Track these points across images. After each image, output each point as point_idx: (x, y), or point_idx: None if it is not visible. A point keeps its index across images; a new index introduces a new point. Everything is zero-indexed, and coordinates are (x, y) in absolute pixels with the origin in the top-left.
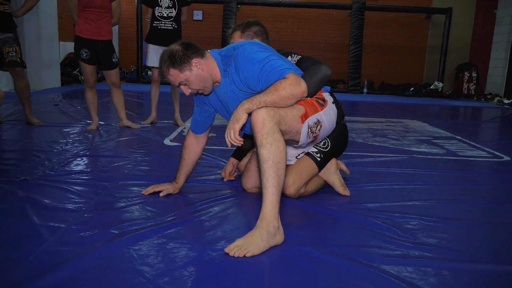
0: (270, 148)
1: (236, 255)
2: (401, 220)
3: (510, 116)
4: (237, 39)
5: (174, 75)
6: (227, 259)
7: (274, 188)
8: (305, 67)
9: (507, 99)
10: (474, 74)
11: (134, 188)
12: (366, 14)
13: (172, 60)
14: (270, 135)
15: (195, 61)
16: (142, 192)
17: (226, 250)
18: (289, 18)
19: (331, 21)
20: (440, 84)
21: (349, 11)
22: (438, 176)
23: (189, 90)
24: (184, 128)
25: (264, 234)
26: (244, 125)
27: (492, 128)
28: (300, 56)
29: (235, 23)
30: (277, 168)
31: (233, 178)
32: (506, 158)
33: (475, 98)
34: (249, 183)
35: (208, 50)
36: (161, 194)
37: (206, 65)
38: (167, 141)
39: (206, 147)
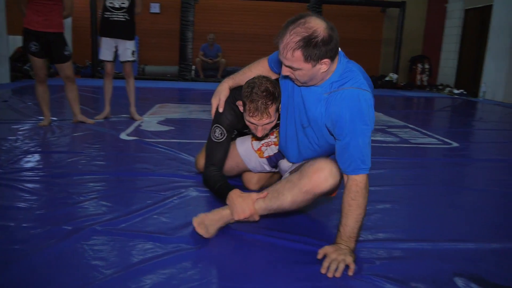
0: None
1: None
2: None
3: (460, 105)
4: (273, 114)
5: (297, 58)
6: (181, 252)
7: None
8: None
9: (457, 90)
10: (426, 66)
11: (88, 184)
12: (324, 8)
13: (307, 44)
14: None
15: (325, 61)
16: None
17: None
18: (248, 11)
19: (290, 14)
20: (395, 76)
21: (307, 4)
22: (391, 163)
23: (287, 73)
24: (142, 122)
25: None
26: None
27: (443, 117)
28: None
29: (193, 16)
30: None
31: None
32: (455, 144)
33: (427, 89)
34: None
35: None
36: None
37: (328, 69)
38: (123, 136)
39: (163, 140)
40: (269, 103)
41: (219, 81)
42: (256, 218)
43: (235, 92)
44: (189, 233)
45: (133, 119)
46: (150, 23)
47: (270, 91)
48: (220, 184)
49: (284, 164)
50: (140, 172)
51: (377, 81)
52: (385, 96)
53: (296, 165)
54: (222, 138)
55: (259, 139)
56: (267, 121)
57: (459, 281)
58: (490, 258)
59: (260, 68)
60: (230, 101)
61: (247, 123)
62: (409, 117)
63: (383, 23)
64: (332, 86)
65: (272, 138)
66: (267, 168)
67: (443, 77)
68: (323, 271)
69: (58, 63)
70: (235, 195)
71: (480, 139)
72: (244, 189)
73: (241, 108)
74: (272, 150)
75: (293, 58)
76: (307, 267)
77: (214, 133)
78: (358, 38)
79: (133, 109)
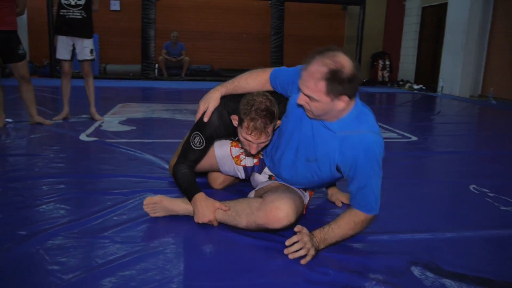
0: None
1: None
2: (317, 199)
3: (419, 100)
4: (271, 133)
5: (319, 88)
6: (141, 253)
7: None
8: None
9: (416, 85)
10: (387, 62)
11: (46, 187)
12: (286, 5)
13: (333, 78)
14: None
15: (344, 98)
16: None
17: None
18: (211, 9)
19: (252, 11)
20: None
21: (269, 1)
22: None
23: (302, 103)
24: (102, 122)
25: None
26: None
27: (403, 112)
28: None
29: (155, 14)
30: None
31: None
32: (414, 138)
33: (389, 85)
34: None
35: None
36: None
37: (347, 106)
38: (83, 137)
39: (124, 140)
40: (269, 123)
41: (183, 80)
42: (215, 224)
43: (227, 102)
44: (149, 234)
45: (93, 120)
46: (110, 21)
47: (270, 111)
48: (188, 184)
49: (258, 177)
50: (100, 174)
51: None
52: None
53: (267, 183)
54: (200, 147)
55: (250, 155)
56: (264, 140)
57: (415, 270)
58: (445, 247)
59: (257, 81)
60: (219, 110)
61: (242, 139)
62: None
63: (344, 20)
64: (348, 126)
65: None
66: (241, 176)
67: (403, 73)
68: (287, 242)
69: (12, 62)
70: (200, 199)
71: (438, 132)
72: (208, 187)
73: (235, 123)
74: (250, 161)
75: (315, 88)
76: (269, 262)
77: (194, 139)
78: (321, 35)
79: (93, 109)
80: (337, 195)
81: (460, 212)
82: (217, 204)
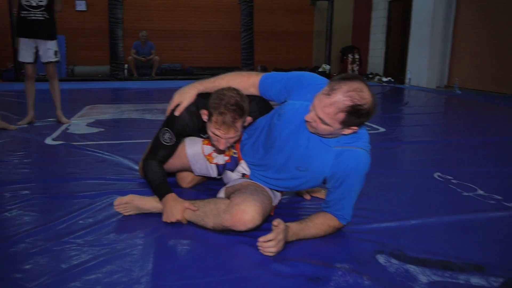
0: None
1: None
2: (287, 195)
3: (388, 92)
4: (239, 129)
5: (337, 118)
6: (107, 256)
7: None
8: None
9: (385, 78)
10: (356, 56)
11: (9, 194)
12: (255, 1)
13: (353, 112)
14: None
15: (354, 128)
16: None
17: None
18: (179, 7)
19: (222, 9)
20: (328, 67)
21: None
22: None
23: (310, 121)
24: (69, 125)
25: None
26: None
27: None
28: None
29: (122, 14)
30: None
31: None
32: (382, 129)
33: None
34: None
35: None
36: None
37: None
38: (49, 141)
39: (92, 142)
40: (237, 117)
41: (153, 79)
42: (184, 222)
43: (197, 98)
44: (115, 236)
45: (60, 123)
46: (76, 21)
47: (240, 106)
48: (159, 183)
49: (230, 175)
50: (66, 178)
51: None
52: None
53: (238, 181)
54: (170, 143)
55: (219, 151)
56: (233, 135)
57: (380, 258)
58: (409, 234)
59: (241, 85)
60: (192, 106)
61: (211, 133)
62: None
63: (313, 16)
64: (345, 142)
65: None
66: (213, 174)
67: (372, 66)
68: (262, 239)
69: None
70: (170, 199)
71: (406, 123)
72: (177, 186)
73: (204, 117)
74: (222, 159)
75: (333, 117)
76: (238, 257)
77: (163, 135)
78: (291, 31)
79: (59, 112)
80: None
81: (425, 199)
82: (186, 204)
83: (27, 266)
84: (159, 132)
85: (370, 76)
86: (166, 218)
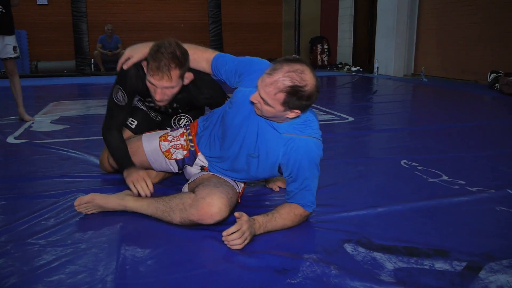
0: None
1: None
2: (256, 186)
3: (357, 81)
4: (176, 79)
5: (277, 99)
6: (70, 256)
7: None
8: None
9: (354, 67)
10: (325, 46)
11: None
12: None
13: (292, 93)
14: None
15: (297, 111)
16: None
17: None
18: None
19: (189, 1)
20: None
21: None
22: None
23: (256, 104)
24: (33, 123)
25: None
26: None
27: (342, 94)
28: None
29: (85, 7)
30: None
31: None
32: (351, 118)
33: (328, 68)
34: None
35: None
36: (153, 182)
37: (291, 116)
38: (11, 139)
39: (56, 140)
40: (173, 66)
41: None
42: (150, 186)
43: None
44: (79, 235)
45: (22, 121)
46: (38, 15)
47: (176, 55)
48: (122, 154)
49: (190, 170)
50: (29, 177)
51: None
52: None
53: (199, 175)
54: (122, 103)
55: (158, 107)
56: (167, 84)
57: (348, 247)
58: (376, 222)
59: (194, 57)
60: (139, 63)
61: (148, 84)
62: None
63: (281, 7)
64: (293, 129)
65: (181, 141)
66: (174, 170)
67: (341, 56)
68: (224, 233)
69: None
70: (134, 169)
71: (374, 112)
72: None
73: (145, 69)
74: (181, 153)
75: (273, 97)
76: (205, 252)
77: (116, 94)
78: (260, 22)
79: (21, 109)
80: (274, 180)
81: (392, 187)
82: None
83: None
84: (112, 91)
85: (340, 66)
86: (132, 179)
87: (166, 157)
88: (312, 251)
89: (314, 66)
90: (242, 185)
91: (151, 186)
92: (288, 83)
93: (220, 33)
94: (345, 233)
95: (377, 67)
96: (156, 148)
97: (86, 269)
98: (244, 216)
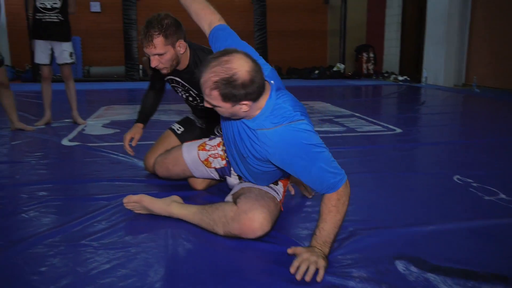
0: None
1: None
2: (302, 194)
3: (404, 91)
4: (161, 46)
5: (214, 97)
6: (122, 259)
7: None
8: None
9: (401, 76)
10: (371, 55)
11: (27, 194)
12: (268, 1)
13: (223, 86)
14: None
15: (244, 102)
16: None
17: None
18: None
19: (234, 9)
20: (342, 66)
21: None
22: (338, 152)
23: (208, 106)
24: (86, 126)
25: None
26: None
27: (388, 104)
28: None
29: (136, 15)
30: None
31: (132, 148)
32: (398, 130)
33: (374, 77)
34: (163, 171)
35: (272, 82)
36: (133, 144)
37: (251, 108)
38: (65, 142)
39: (107, 144)
40: (155, 33)
41: None
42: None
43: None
44: (130, 239)
45: (76, 124)
46: (91, 22)
47: (159, 21)
48: (139, 110)
49: (229, 180)
50: (82, 179)
51: (326, 72)
52: (334, 86)
53: (243, 185)
54: (151, 71)
55: (201, 116)
56: (155, 51)
57: (399, 265)
58: (429, 240)
59: (202, 9)
60: None
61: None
62: (356, 106)
63: (327, 14)
64: (264, 124)
65: (219, 150)
66: (216, 177)
67: (387, 65)
68: (292, 270)
69: None
70: (134, 126)
71: (423, 123)
72: (191, 189)
73: None
74: (219, 163)
75: (211, 96)
76: (246, 264)
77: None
78: (304, 29)
79: (75, 113)
80: (304, 186)
81: (444, 203)
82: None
83: (44, 269)
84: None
85: (386, 75)
86: (124, 136)
87: (205, 165)
88: (362, 267)
89: (359, 74)
90: (282, 190)
91: (132, 143)
92: (214, 78)
93: (265, 41)
94: (396, 250)
95: (426, 77)
96: (195, 157)
97: (137, 274)
98: (297, 249)
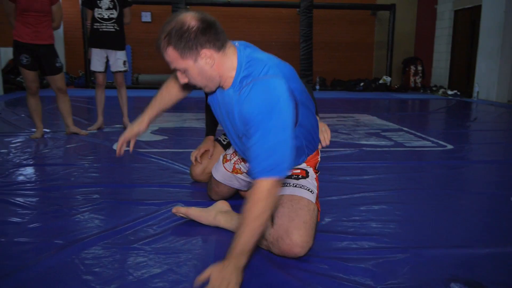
0: None
1: None
2: (350, 212)
3: (454, 106)
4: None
5: (172, 57)
6: (172, 264)
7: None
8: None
9: (450, 90)
10: (419, 68)
11: (81, 196)
12: (315, 12)
13: (176, 37)
14: None
15: (205, 51)
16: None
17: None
18: (239, 18)
19: (280, 19)
20: (389, 78)
21: (297, 9)
22: (385, 167)
23: (186, 80)
24: None
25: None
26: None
27: (437, 119)
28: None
29: None
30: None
31: (203, 161)
32: (450, 146)
33: (421, 91)
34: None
35: (236, 44)
36: (131, 146)
37: (219, 62)
38: (116, 146)
39: (156, 150)
40: (165, 45)
41: None
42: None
43: None
44: (181, 245)
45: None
46: (142, 32)
47: (166, 30)
48: (206, 123)
49: None
50: (133, 184)
51: (371, 84)
52: (379, 99)
53: None
54: None
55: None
56: (174, 65)
57: None
58: (485, 263)
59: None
60: None
61: None
62: (404, 120)
63: (374, 26)
64: (242, 82)
65: (237, 156)
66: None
67: (436, 79)
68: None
69: (50, 75)
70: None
71: (475, 140)
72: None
73: None
74: (244, 166)
75: (170, 58)
76: (292, 279)
77: None
78: (350, 41)
79: (126, 119)
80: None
81: (500, 225)
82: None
83: (98, 269)
84: None
85: (434, 88)
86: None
87: (236, 174)
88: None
89: (406, 88)
90: (315, 183)
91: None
92: (163, 37)
93: (310, 52)
94: (450, 271)
95: (477, 91)
96: (223, 172)
97: (187, 280)
98: (206, 272)
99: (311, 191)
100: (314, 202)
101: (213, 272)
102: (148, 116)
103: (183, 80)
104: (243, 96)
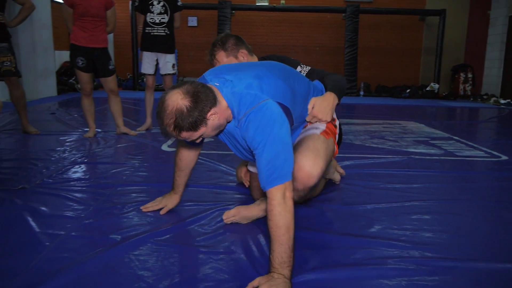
0: None
1: None
2: (400, 220)
3: (507, 116)
4: (224, 59)
5: (187, 136)
6: (223, 263)
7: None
8: (324, 74)
9: (503, 99)
10: (469, 75)
11: (132, 194)
12: (361, 17)
13: (183, 124)
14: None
15: (210, 114)
16: (142, 208)
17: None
18: (284, 22)
19: (325, 24)
20: (436, 86)
21: (343, 14)
22: (436, 176)
23: (200, 140)
24: None
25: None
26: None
27: (489, 128)
28: (310, 68)
29: (229, 29)
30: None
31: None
32: (504, 157)
33: (471, 99)
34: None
35: (215, 83)
36: (161, 212)
37: (220, 111)
38: (164, 147)
39: (203, 151)
40: (216, 49)
41: None
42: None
43: None
44: (229, 245)
45: None
46: (188, 36)
47: (221, 40)
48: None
49: None
50: None
51: (418, 91)
52: (427, 106)
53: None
54: None
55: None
56: (190, 140)
57: None
58: None
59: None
60: None
61: None
62: (453, 128)
63: (422, 31)
64: (239, 115)
65: None
66: None
67: (487, 87)
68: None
69: (103, 77)
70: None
71: None
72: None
73: None
74: None
75: (185, 137)
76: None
77: None
78: (397, 47)
79: None
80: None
81: None
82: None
83: (152, 265)
84: None
85: (485, 97)
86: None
87: None
88: None
89: (455, 95)
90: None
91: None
92: (171, 128)
93: (355, 57)
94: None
95: None
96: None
97: (238, 280)
98: (255, 281)
99: (316, 128)
100: (319, 134)
101: (261, 283)
102: (179, 193)
103: (199, 140)
104: (244, 127)
